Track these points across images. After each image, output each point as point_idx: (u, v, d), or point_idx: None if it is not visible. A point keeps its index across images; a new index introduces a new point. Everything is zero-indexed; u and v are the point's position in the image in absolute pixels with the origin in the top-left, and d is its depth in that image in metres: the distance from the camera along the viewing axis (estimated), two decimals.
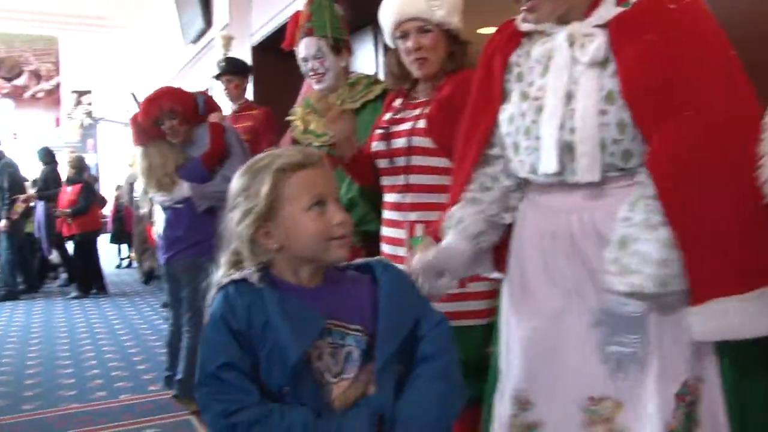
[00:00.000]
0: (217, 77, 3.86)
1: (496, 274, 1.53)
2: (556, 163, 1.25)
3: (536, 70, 1.32)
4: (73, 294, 7.13)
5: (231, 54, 4.08)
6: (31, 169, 8.22)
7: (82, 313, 6.21)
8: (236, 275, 1.12)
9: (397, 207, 1.93)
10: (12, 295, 7.08)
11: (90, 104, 13.34)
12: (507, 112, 1.36)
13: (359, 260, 1.23)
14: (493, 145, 1.43)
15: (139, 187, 3.29)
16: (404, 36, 1.86)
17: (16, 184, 7.15)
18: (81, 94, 13.27)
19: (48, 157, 7.60)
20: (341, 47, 2.32)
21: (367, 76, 2.44)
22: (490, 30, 1.60)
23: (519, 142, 1.33)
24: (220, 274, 1.16)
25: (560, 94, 1.25)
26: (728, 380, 1.22)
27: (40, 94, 11.02)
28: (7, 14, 9.93)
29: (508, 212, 1.45)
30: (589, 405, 1.29)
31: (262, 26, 5.22)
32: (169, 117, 2.99)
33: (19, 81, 10.90)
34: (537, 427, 1.34)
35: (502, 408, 1.40)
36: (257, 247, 1.13)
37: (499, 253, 1.48)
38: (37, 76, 10.95)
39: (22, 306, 6.74)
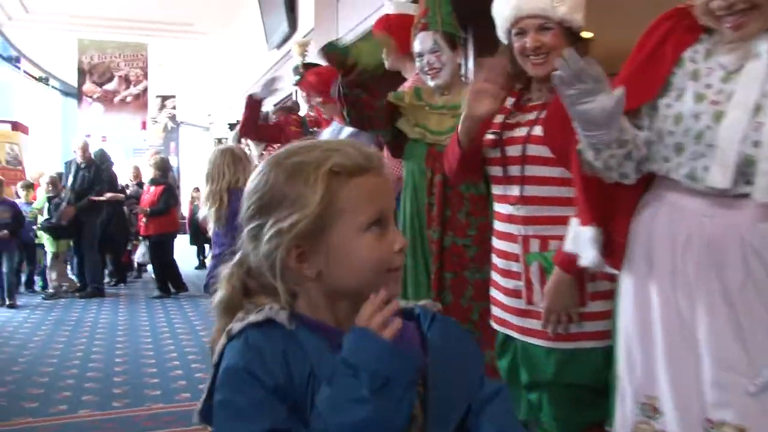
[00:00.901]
0: (296, 84, 3.86)
1: (612, 270, 1.45)
2: (731, 179, 1.16)
3: (716, 73, 1.22)
4: (156, 293, 7.33)
5: (317, 60, 4.06)
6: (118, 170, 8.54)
7: (164, 313, 6.35)
8: (253, 317, 0.84)
9: (511, 219, 1.80)
10: (99, 293, 7.33)
11: (174, 108, 13.81)
12: (674, 109, 1.26)
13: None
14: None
15: None
16: (521, 33, 1.74)
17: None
18: (165, 98, 13.74)
19: (103, 158, 7.94)
20: (456, 43, 2.23)
21: None
22: (586, 34, 1.51)
23: (685, 144, 1.23)
24: (220, 295, 0.89)
25: (750, 106, 1.15)
26: None
27: (129, 99, 11.44)
28: (100, 22, 10.38)
29: (619, 171, 1.34)
30: (708, 426, 1.22)
31: (348, 31, 5.18)
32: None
33: (110, 86, 11.34)
34: None
35: (626, 411, 1.35)
36: (289, 274, 0.85)
37: (618, 249, 1.40)
38: (126, 80, 11.37)
39: (108, 303, 6.95)
